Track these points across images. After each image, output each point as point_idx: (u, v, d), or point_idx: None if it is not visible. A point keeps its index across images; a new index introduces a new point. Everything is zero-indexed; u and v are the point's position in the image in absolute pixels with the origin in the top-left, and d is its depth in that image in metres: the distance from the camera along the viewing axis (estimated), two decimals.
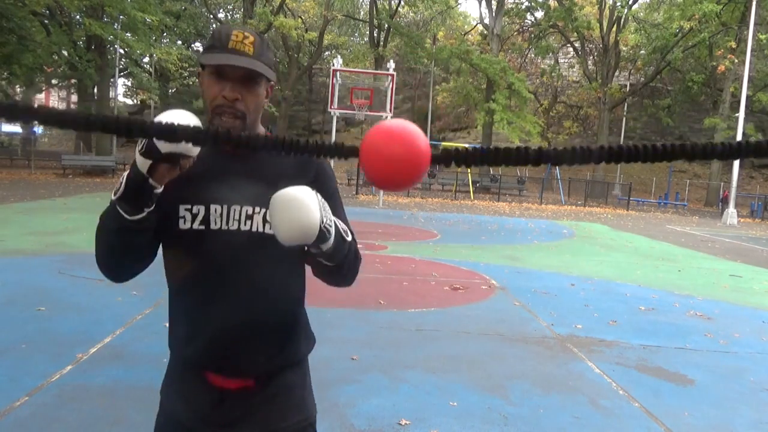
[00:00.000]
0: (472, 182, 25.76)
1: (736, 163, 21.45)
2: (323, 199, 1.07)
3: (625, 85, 36.02)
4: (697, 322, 5.52)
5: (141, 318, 4.36)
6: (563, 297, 6.20)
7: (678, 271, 8.53)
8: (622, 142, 34.34)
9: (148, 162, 1.01)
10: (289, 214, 1.01)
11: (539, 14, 32.69)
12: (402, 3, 32.99)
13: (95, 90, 26.30)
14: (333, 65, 20.16)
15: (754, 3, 20.66)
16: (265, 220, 1.18)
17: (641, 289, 6.99)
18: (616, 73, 34.05)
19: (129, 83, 40.33)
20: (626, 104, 35.54)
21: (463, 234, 11.72)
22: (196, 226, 1.17)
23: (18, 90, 34.36)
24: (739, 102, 21.67)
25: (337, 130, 28.10)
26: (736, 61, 24.74)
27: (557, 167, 28.49)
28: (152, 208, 1.07)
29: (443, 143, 32.14)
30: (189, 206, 1.17)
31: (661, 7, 33.00)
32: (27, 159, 24.29)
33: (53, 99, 51.46)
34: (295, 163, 1.23)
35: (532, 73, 39.45)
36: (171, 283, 1.24)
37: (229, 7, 40.98)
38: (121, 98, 42.15)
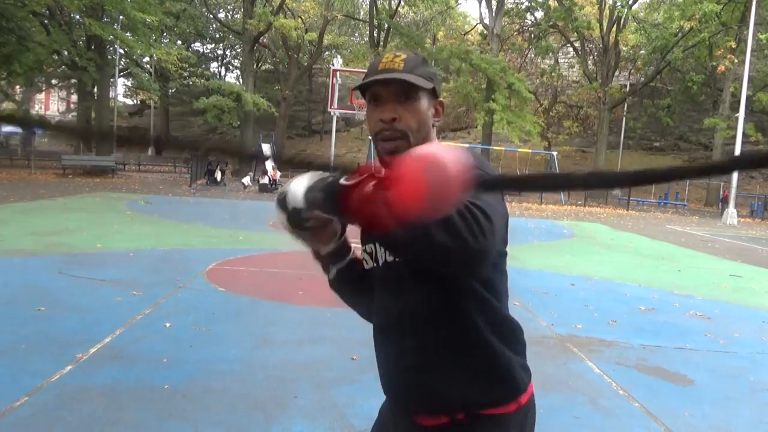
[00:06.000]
0: None
1: None
2: None
3: (625, 85, 35.98)
4: (697, 322, 5.52)
5: (141, 318, 4.35)
6: (563, 297, 6.20)
7: (678, 271, 8.53)
8: (622, 142, 34.42)
9: (294, 234, 1.08)
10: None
11: (539, 14, 32.66)
12: (402, 3, 32.97)
13: (95, 90, 26.31)
14: (333, 65, 20.17)
15: (754, 3, 20.65)
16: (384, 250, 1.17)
17: (641, 289, 6.98)
18: (616, 73, 34.02)
19: (129, 83, 40.35)
20: (626, 104, 35.51)
21: None
22: (371, 264, 1.20)
23: (18, 90, 34.36)
24: (739, 102, 21.65)
25: (337, 130, 28.10)
26: (736, 61, 24.71)
27: (557, 168, 28.48)
28: (343, 263, 1.19)
29: (443, 143, 32.06)
30: (365, 246, 1.21)
31: (661, 7, 32.98)
32: (27, 159, 24.28)
33: (53, 99, 51.43)
34: None
35: (532, 73, 39.43)
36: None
37: (229, 7, 40.99)
38: (121, 98, 42.17)
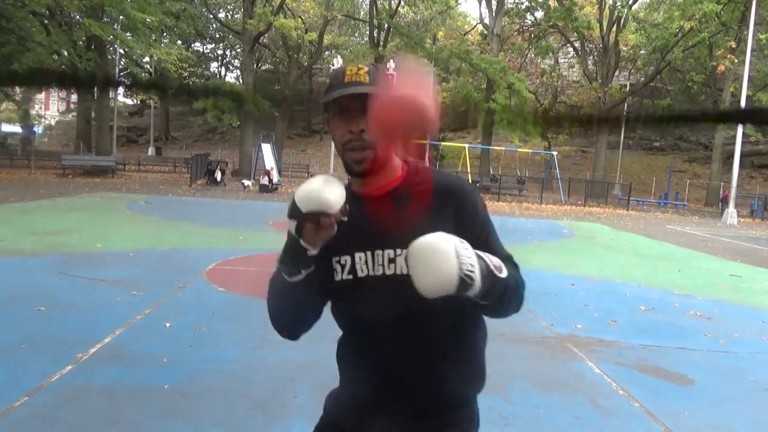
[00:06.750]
0: (473, 182, 25.77)
1: (736, 163, 21.44)
2: (463, 243, 1.04)
3: (625, 85, 36.00)
4: (697, 322, 5.52)
5: (141, 318, 4.35)
6: (563, 297, 6.19)
7: (678, 271, 8.53)
8: (621, 142, 34.43)
9: (294, 222, 1.09)
10: (424, 266, 1.02)
11: (539, 14, 32.68)
12: (402, 3, 32.97)
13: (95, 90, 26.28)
14: (333, 65, 20.16)
15: (754, 3, 20.65)
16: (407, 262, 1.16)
17: (641, 289, 6.98)
18: (616, 73, 34.02)
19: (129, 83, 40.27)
20: (626, 104, 35.53)
21: None
22: (345, 276, 1.22)
23: (18, 90, 34.33)
24: (739, 102, 21.65)
25: None
26: (736, 61, 24.71)
27: (557, 168, 28.48)
28: (310, 269, 1.15)
29: (443, 143, 32.14)
30: (338, 258, 1.22)
31: (661, 7, 32.98)
32: (27, 159, 24.26)
33: (53, 99, 51.45)
34: (432, 202, 1.22)
35: (532, 73, 39.43)
36: (341, 328, 1.37)
37: (229, 7, 40.99)
38: (121, 98, 42.15)
